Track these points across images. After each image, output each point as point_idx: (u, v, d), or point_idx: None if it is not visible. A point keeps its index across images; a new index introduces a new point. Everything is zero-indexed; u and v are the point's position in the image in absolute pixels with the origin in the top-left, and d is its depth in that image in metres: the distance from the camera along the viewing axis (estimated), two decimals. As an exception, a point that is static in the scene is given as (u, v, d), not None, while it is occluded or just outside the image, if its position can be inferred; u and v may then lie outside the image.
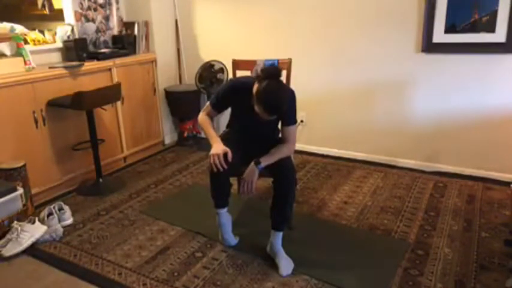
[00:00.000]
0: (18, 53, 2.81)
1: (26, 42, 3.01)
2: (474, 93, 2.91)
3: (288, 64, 2.55)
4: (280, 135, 2.17)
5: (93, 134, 2.97)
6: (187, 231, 2.44)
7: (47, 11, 4.17)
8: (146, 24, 3.75)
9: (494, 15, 2.69)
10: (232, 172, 2.10)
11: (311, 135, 3.63)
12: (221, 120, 3.33)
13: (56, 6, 3.99)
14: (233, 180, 2.31)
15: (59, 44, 3.27)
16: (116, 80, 3.31)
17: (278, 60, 2.59)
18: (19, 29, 3.02)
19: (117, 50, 3.52)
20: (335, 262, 2.10)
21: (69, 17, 3.37)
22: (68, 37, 3.27)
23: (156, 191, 3.01)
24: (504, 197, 2.73)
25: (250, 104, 1.92)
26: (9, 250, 2.23)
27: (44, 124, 2.84)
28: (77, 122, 3.06)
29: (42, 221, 2.45)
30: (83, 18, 3.43)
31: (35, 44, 3.14)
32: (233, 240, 2.27)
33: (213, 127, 2.17)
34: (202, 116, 2.22)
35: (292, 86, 2.34)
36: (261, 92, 1.86)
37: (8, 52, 2.85)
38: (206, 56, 3.93)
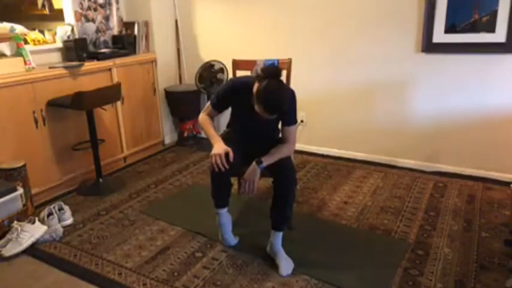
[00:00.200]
0: (18, 53, 2.81)
1: (26, 42, 3.01)
2: (474, 93, 2.91)
3: (288, 64, 2.55)
4: (280, 135, 2.17)
5: (93, 134, 2.97)
6: (187, 231, 2.44)
7: (47, 11, 4.17)
8: (146, 24, 3.75)
9: (494, 15, 2.69)
10: (232, 172, 2.10)
11: (311, 135, 3.63)
12: (221, 120, 3.33)
13: (56, 6, 3.99)
14: (233, 180, 2.31)
15: (59, 44, 3.27)
16: (116, 80, 3.31)
17: (278, 60, 2.59)
18: (19, 29, 3.02)
19: (117, 50, 3.52)
20: (335, 262, 2.10)
21: (69, 17, 3.37)
22: (68, 37, 3.27)
23: (156, 191, 3.01)
24: (504, 197, 2.73)
25: (251, 104, 1.92)
26: (9, 250, 2.23)
27: (44, 124, 2.84)
28: (77, 122, 3.06)
29: (42, 221, 2.45)
30: (83, 18, 3.43)
31: (35, 44, 3.14)
32: (233, 240, 2.27)
33: (213, 127, 2.17)
34: (202, 116, 2.22)
35: (292, 86, 2.34)
36: (261, 92, 1.86)
37: (8, 52, 2.85)
38: (206, 56, 3.93)
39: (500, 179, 2.94)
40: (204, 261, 2.15)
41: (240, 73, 2.55)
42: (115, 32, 3.71)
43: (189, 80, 4.07)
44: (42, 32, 3.30)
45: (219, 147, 2.01)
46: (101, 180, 3.06)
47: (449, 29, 2.85)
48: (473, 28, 2.77)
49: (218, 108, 2.21)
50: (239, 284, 1.96)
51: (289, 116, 2.09)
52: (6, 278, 2.08)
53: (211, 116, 2.22)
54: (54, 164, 2.96)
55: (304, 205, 2.71)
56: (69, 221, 2.57)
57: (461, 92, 2.95)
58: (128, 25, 3.74)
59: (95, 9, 3.52)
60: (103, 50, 3.45)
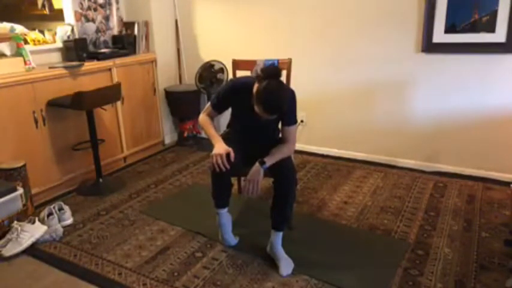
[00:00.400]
0: (18, 53, 2.81)
1: (26, 42, 3.01)
2: (474, 93, 2.91)
3: (288, 64, 2.55)
4: (280, 135, 2.17)
5: (93, 134, 2.97)
6: (187, 231, 2.44)
7: (47, 11, 4.17)
8: (146, 24, 3.75)
9: (494, 15, 2.69)
10: (233, 172, 2.09)
11: (311, 135, 3.63)
12: (221, 121, 3.33)
13: (56, 6, 3.99)
14: (233, 180, 2.31)
15: (59, 44, 3.27)
16: (116, 80, 3.31)
17: (278, 60, 2.58)
18: (19, 29, 3.02)
19: (117, 50, 3.52)
20: (335, 262, 2.10)
21: (69, 17, 3.37)
22: (68, 37, 3.27)
23: (156, 191, 3.01)
24: (504, 197, 2.73)
25: (251, 104, 1.92)
26: (9, 250, 2.23)
27: (44, 124, 2.84)
28: (77, 122, 3.06)
29: (42, 221, 2.45)
30: (83, 18, 3.43)
31: (35, 44, 3.14)
32: (233, 240, 2.27)
33: (214, 127, 2.17)
34: (202, 117, 2.22)
35: (292, 86, 2.34)
36: (261, 92, 1.86)
37: (8, 52, 2.85)
38: (206, 56, 3.93)
39: (500, 179, 2.94)
40: (204, 261, 2.15)
41: (240, 73, 2.55)
42: (115, 32, 3.71)
43: (189, 80, 4.07)
44: (42, 32, 3.30)
45: (220, 147, 2.01)
46: (101, 180, 3.06)
47: (449, 29, 2.85)
48: (473, 28, 2.77)
49: (218, 108, 2.21)
50: (239, 284, 1.96)
51: (289, 116, 2.09)
52: (6, 278, 2.08)
53: (211, 117, 2.22)
54: (54, 164, 2.96)
55: (304, 205, 2.71)
56: (69, 221, 2.57)
57: (461, 92, 2.95)
58: (128, 25, 3.74)
59: (95, 9, 3.52)
60: (103, 50, 3.45)
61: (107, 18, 3.64)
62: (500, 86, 2.82)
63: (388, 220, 2.50)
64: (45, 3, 4.16)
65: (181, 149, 3.91)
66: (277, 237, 2.10)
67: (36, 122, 2.78)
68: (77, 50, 3.19)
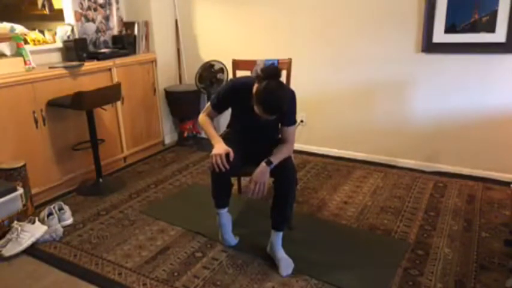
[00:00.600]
0: (18, 53, 2.81)
1: (26, 42, 3.01)
2: (474, 93, 2.91)
3: (288, 64, 2.55)
4: (280, 135, 2.17)
5: (93, 134, 2.97)
6: (187, 231, 2.44)
7: (47, 11, 4.17)
8: (146, 24, 3.75)
9: (494, 15, 2.69)
10: (233, 172, 2.09)
11: (311, 135, 3.63)
12: (221, 121, 3.33)
13: (56, 6, 3.99)
14: (233, 180, 2.31)
15: (59, 44, 3.27)
16: (116, 80, 3.31)
17: (278, 60, 2.59)
18: (19, 29, 3.02)
19: (117, 50, 3.52)
20: (335, 262, 2.10)
21: (69, 17, 3.37)
22: (68, 37, 3.27)
23: (156, 191, 3.01)
24: (504, 197, 2.73)
25: (251, 104, 1.92)
26: (9, 250, 2.23)
27: (44, 124, 2.84)
28: (77, 122, 3.06)
29: (42, 221, 2.45)
30: (83, 18, 3.43)
31: (35, 44, 3.14)
32: (233, 240, 2.27)
33: (214, 127, 2.17)
34: (202, 117, 2.22)
35: (292, 86, 2.35)
36: (260, 92, 1.86)
37: (8, 52, 2.85)
38: (206, 56, 3.93)
39: (500, 179, 2.94)
40: (204, 261, 2.15)
41: (240, 73, 2.55)
42: (115, 32, 3.71)
43: (189, 80, 4.07)
44: (42, 32, 3.30)
45: (220, 147, 2.01)
46: (101, 180, 3.06)
47: (449, 29, 2.85)
48: (473, 28, 2.77)
49: (218, 109, 2.21)
50: (239, 284, 1.96)
51: (289, 117, 2.09)
52: (6, 278, 2.08)
53: (211, 117, 2.22)
54: (54, 164, 2.96)
55: (304, 205, 2.71)
56: (69, 221, 2.57)
57: (461, 92, 2.95)
58: (128, 25, 3.74)
59: (95, 9, 3.52)
60: (103, 50, 3.45)
61: (107, 18, 3.64)
62: (500, 86, 2.82)
63: (388, 220, 2.50)
64: (45, 3, 4.16)
65: (181, 149, 3.91)
66: (277, 237, 2.10)
67: (36, 122, 2.78)
68: (77, 50, 3.19)
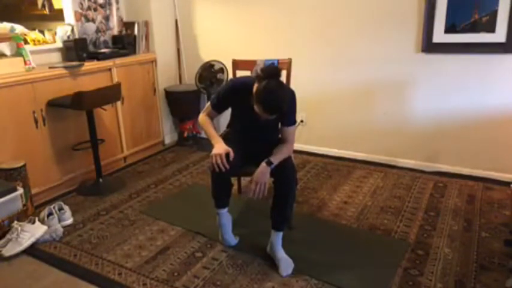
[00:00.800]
0: (18, 53, 2.81)
1: (26, 42, 3.01)
2: (474, 93, 2.91)
3: (288, 64, 2.55)
4: (279, 135, 2.17)
5: (93, 134, 2.97)
6: (187, 231, 2.44)
7: (47, 11, 4.18)
8: (146, 24, 3.75)
9: (494, 15, 2.69)
10: (233, 172, 2.09)
11: (311, 135, 3.63)
12: (221, 121, 3.33)
13: (56, 6, 4.00)
14: (233, 180, 2.31)
15: (59, 44, 3.27)
16: (116, 80, 3.31)
17: (278, 60, 2.59)
18: (19, 29, 3.02)
19: (117, 50, 3.52)
20: (335, 262, 2.10)
21: (69, 17, 3.37)
22: (68, 37, 3.27)
23: (156, 191, 3.01)
24: (504, 197, 2.73)
25: (250, 104, 1.92)
26: (9, 250, 2.23)
27: (44, 124, 2.84)
28: (77, 122, 3.06)
29: (42, 221, 2.45)
30: (83, 18, 3.43)
31: (35, 44, 3.14)
32: (233, 240, 2.27)
33: (214, 127, 2.17)
34: (202, 117, 2.22)
35: (292, 86, 2.34)
36: (260, 92, 1.86)
37: (8, 52, 2.85)
38: (206, 56, 3.93)
39: (500, 179, 2.94)
40: (204, 261, 2.15)
41: (240, 73, 2.55)
42: (115, 32, 3.71)
43: (189, 80, 4.07)
44: (42, 32, 3.30)
45: (220, 147, 2.01)
46: (101, 180, 3.06)
47: (449, 29, 2.85)
48: (473, 28, 2.77)
49: (218, 108, 2.21)
50: (239, 284, 1.96)
51: (289, 117, 2.09)
52: (6, 278, 2.08)
53: (211, 117, 2.22)
54: (54, 164, 2.96)
55: (304, 205, 2.71)
56: (69, 221, 2.57)
57: (461, 92, 2.95)
58: (128, 25, 3.74)
59: (95, 9, 3.52)
60: (103, 50, 3.45)
61: (107, 18, 3.64)
62: (500, 86, 2.82)
63: (388, 220, 2.50)
64: (45, 3, 4.16)
65: (181, 149, 3.91)
66: (277, 237, 2.10)
67: (36, 122, 2.78)
68: (77, 50, 3.19)
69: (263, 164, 1.98)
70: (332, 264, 2.08)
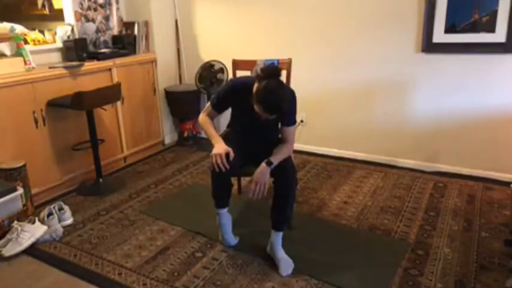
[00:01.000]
0: (18, 53, 2.81)
1: (26, 42, 3.01)
2: (474, 93, 2.91)
3: (288, 64, 2.55)
4: (280, 135, 2.17)
5: (93, 134, 2.97)
6: (187, 231, 2.44)
7: (47, 11, 4.18)
8: (146, 24, 3.75)
9: (494, 15, 2.69)
10: (233, 172, 2.09)
11: (311, 135, 3.63)
12: (221, 121, 3.33)
13: (56, 6, 4.00)
14: (233, 180, 2.31)
15: (59, 44, 3.27)
16: (116, 80, 3.31)
17: (278, 60, 2.59)
18: (19, 29, 3.02)
19: (117, 50, 3.52)
20: (335, 262, 2.10)
21: (69, 17, 3.37)
22: (68, 37, 3.27)
23: (156, 191, 3.01)
24: (504, 197, 2.73)
25: (250, 104, 1.92)
26: (9, 250, 2.23)
27: (44, 124, 2.84)
28: (77, 122, 3.06)
29: (42, 221, 2.45)
30: (83, 18, 3.43)
31: (35, 44, 3.14)
32: (233, 240, 2.27)
33: (214, 127, 2.17)
34: (202, 117, 2.22)
35: (292, 86, 2.34)
36: (260, 91, 1.86)
37: (8, 52, 2.85)
38: (206, 56, 3.93)
39: (500, 179, 2.94)
40: (204, 261, 2.15)
41: (240, 73, 2.55)
42: (115, 32, 3.71)
43: (189, 80, 4.07)
44: (42, 32, 3.30)
45: (220, 147, 2.01)
46: (101, 180, 3.06)
47: (449, 29, 2.85)
48: (473, 28, 2.77)
49: (218, 108, 2.21)
50: (239, 284, 1.96)
51: (289, 117, 2.09)
52: (6, 278, 2.08)
53: (211, 117, 2.22)
54: (54, 164, 2.96)
55: (304, 205, 2.71)
56: (69, 221, 2.57)
57: (461, 92, 2.95)
58: (128, 25, 3.74)
59: (95, 9, 3.52)
60: (103, 50, 3.45)
61: (107, 18, 3.64)
62: (500, 86, 2.82)
63: (388, 220, 2.50)
64: (45, 3, 4.16)
65: (181, 149, 3.91)
66: (277, 237, 2.10)
67: (36, 122, 2.78)
68: (77, 50, 3.19)
69: (263, 164, 1.98)
70: (332, 264, 2.08)
